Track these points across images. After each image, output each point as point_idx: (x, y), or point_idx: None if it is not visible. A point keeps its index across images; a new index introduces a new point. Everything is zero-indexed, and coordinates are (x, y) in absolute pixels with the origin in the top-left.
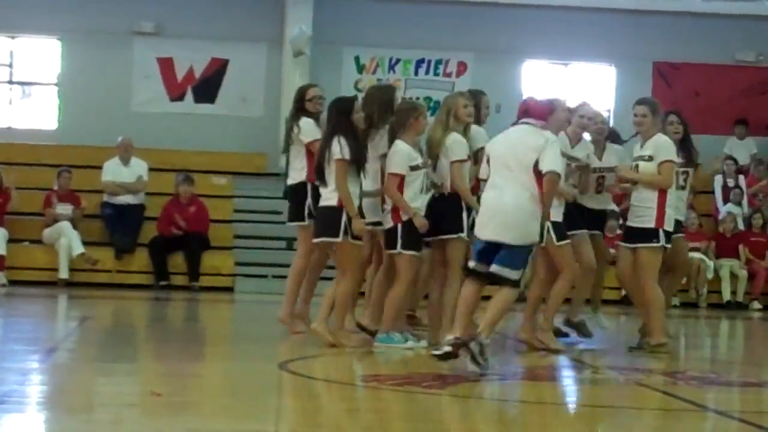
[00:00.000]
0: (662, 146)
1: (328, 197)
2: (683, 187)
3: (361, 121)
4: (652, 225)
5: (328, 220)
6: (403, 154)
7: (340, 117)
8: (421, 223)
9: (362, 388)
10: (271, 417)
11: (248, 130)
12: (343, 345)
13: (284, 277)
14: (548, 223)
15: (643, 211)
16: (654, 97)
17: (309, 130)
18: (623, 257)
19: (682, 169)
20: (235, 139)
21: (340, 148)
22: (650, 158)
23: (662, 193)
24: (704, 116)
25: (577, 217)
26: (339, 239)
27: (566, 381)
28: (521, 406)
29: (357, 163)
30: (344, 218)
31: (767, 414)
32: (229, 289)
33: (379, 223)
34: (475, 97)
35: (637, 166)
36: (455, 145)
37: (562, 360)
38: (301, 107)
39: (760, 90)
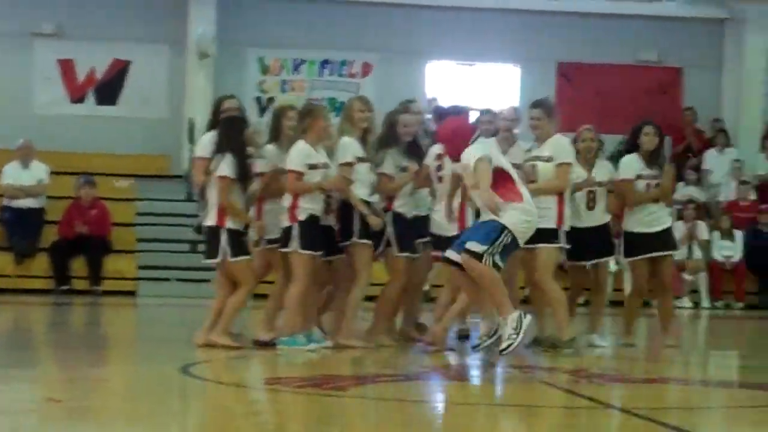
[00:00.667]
0: (562, 148)
1: (208, 216)
2: (656, 201)
3: (253, 137)
4: (552, 225)
5: (210, 240)
6: (301, 152)
7: (228, 134)
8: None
9: (265, 391)
10: (172, 421)
11: (151, 132)
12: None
13: (188, 280)
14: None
15: (542, 212)
16: (557, 97)
17: (201, 145)
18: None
19: (655, 182)
20: (138, 141)
21: (225, 166)
22: (549, 159)
23: (561, 193)
24: (606, 116)
25: None
26: (225, 258)
27: (470, 380)
28: (423, 405)
29: (243, 181)
30: (224, 236)
31: (669, 410)
32: (132, 293)
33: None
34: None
35: (534, 166)
36: (341, 147)
37: (467, 360)
38: (215, 120)
39: (661, 89)
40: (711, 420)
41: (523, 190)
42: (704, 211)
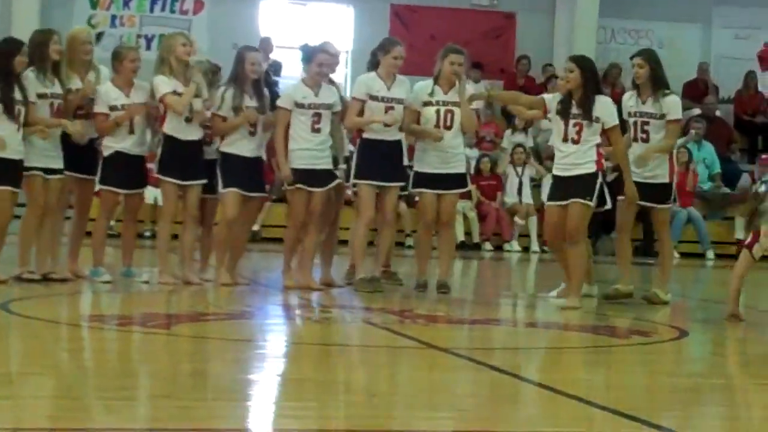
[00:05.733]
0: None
1: None
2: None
3: (21, 64)
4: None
5: None
6: (101, 94)
7: None
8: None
9: (86, 329)
10: None
11: None
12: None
13: None
14: None
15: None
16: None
17: None
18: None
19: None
20: None
21: None
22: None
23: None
24: None
25: None
26: None
27: (294, 320)
28: (240, 344)
29: (4, 105)
30: None
31: (492, 351)
32: None
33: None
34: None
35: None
36: (155, 85)
37: (294, 300)
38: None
39: (493, 34)
40: (531, 360)
41: None
42: (535, 155)
